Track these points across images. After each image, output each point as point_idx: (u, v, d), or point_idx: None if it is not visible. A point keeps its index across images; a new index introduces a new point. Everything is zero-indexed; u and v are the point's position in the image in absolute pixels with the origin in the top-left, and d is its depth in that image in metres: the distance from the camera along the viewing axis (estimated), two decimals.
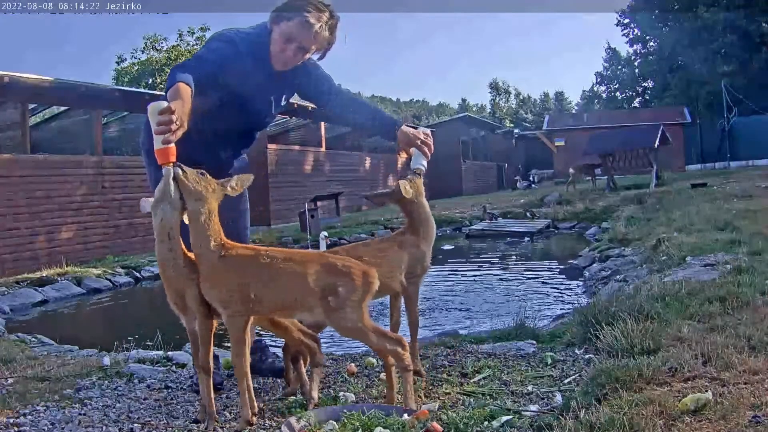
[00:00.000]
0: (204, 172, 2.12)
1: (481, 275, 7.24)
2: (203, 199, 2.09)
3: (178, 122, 1.95)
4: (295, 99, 2.90)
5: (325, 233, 7.02)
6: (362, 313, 2.13)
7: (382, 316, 4.78)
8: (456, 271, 7.63)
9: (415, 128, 2.66)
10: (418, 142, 2.58)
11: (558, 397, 2.36)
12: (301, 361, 2.50)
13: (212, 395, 2.24)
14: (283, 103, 2.70)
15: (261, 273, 2.11)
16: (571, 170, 17.42)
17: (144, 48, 30.96)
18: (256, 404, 2.23)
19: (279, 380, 2.75)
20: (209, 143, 2.63)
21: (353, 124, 2.93)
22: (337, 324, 2.14)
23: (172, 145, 1.97)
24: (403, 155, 2.67)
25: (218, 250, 2.10)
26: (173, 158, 2.00)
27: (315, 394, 2.36)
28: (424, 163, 2.62)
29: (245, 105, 2.53)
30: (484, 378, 2.65)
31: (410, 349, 2.76)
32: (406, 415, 2.01)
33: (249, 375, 2.18)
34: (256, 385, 2.72)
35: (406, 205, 2.65)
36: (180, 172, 2.05)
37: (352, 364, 2.89)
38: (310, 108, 12.78)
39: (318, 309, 2.12)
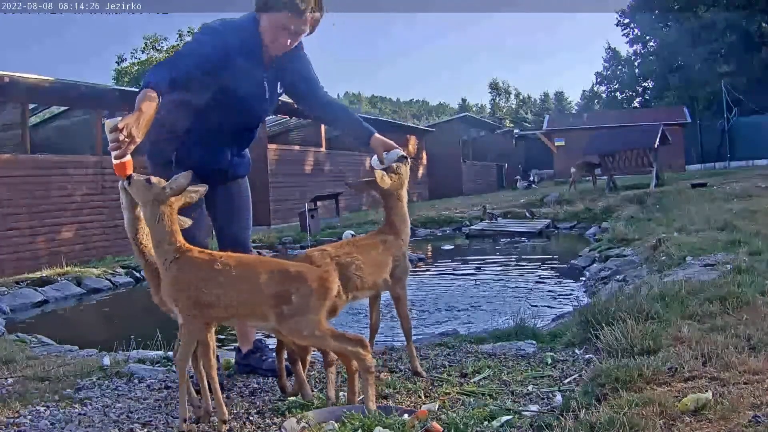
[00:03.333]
0: (150, 178, 2.14)
1: (481, 275, 7.23)
2: (148, 204, 2.15)
3: (127, 138, 2.03)
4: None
5: (352, 232, 6.79)
6: (318, 320, 2.06)
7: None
8: (456, 271, 7.63)
9: None
10: (391, 143, 2.73)
11: (558, 397, 2.36)
12: (299, 362, 2.48)
13: (191, 393, 2.32)
14: (279, 90, 2.70)
15: (212, 278, 2.10)
16: (573, 169, 17.41)
17: (144, 48, 30.94)
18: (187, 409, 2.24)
19: None
20: (208, 143, 2.62)
21: (331, 124, 3.08)
22: (290, 332, 2.08)
23: (128, 158, 2.09)
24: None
25: (169, 254, 2.13)
26: (129, 171, 2.12)
27: (332, 394, 2.34)
28: (400, 151, 2.69)
29: (238, 95, 2.53)
30: (484, 378, 2.65)
31: (408, 351, 2.77)
32: (406, 416, 2.01)
33: (187, 378, 2.24)
34: (256, 385, 2.72)
35: (387, 199, 2.67)
36: (125, 184, 2.15)
37: None
38: None
39: (272, 317, 2.07)
